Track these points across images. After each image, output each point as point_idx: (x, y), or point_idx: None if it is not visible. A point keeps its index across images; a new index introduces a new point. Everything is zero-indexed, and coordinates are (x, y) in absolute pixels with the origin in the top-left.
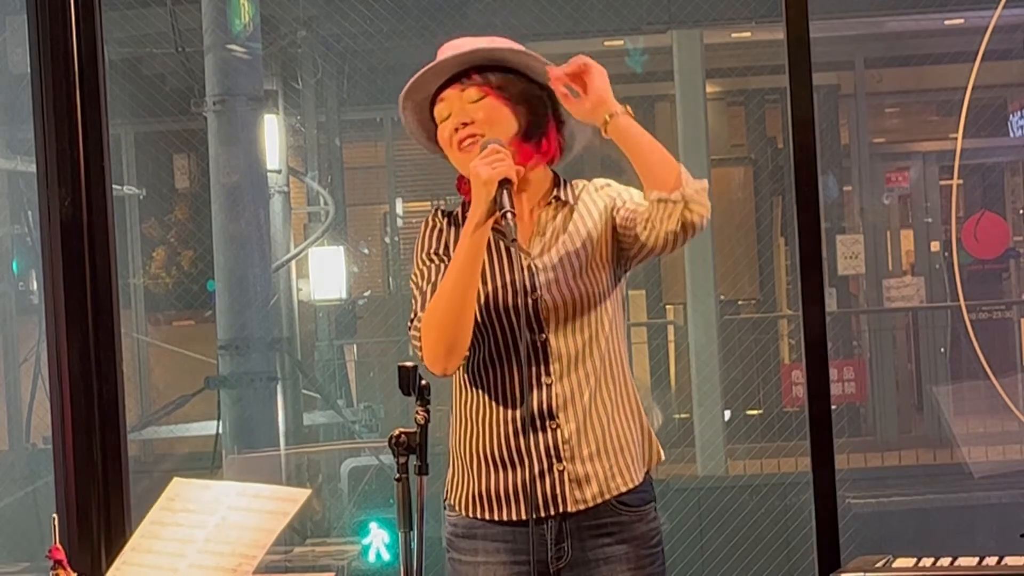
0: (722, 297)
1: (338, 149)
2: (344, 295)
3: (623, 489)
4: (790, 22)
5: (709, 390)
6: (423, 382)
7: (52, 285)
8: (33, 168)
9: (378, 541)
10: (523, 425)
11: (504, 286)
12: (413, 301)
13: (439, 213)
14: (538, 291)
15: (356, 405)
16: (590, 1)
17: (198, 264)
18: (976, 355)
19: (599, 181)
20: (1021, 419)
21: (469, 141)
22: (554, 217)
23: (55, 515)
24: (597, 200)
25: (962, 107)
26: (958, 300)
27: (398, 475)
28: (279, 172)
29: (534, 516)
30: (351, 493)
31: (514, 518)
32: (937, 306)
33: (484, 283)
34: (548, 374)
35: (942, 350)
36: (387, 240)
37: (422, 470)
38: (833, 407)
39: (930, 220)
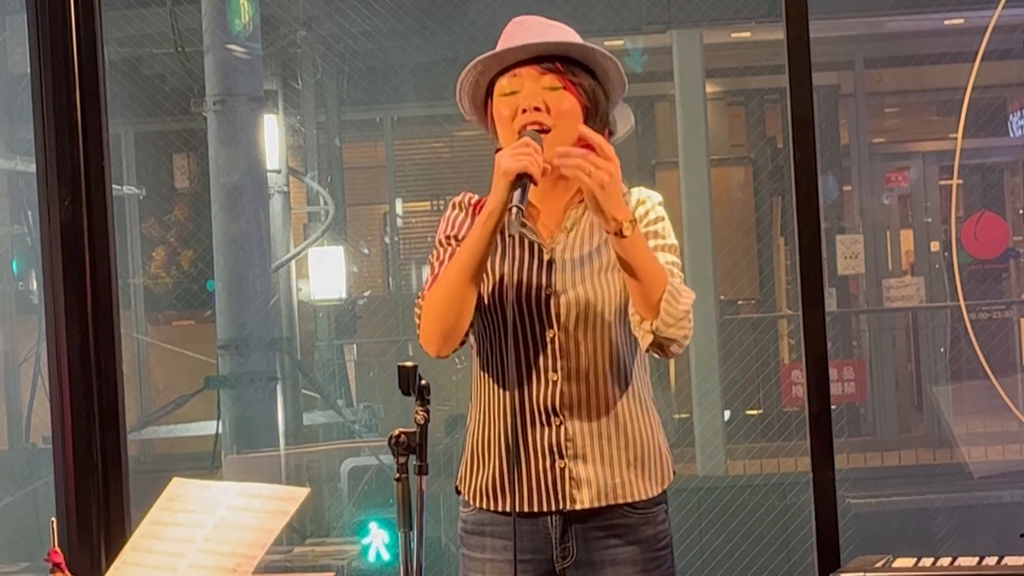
0: (722, 297)
1: (338, 149)
2: (344, 295)
3: (625, 501)
4: (790, 22)
5: (709, 390)
6: (423, 382)
7: (52, 285)
8: (33, 168)
9: (378, 541)
10: (530, 419)
11: (519, 278)
12: (427, 280)
13: (466, 198)
14: (552, 287)
15: (356, 405)
16: (590, 1)
17: (198, 264)
18: (976, 355)
19: (643, 195)
20: (1021, 419)
21: (534, 128)
22: (583, 215)
23: (54, 519)
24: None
25: (962, 107)
26: (958, 300)
27: (398, 475)
28: (279, 172)
29: (535, 509)
30: (351, 493)
31: (517, 510)
32: (937, 306)
33: (500, 274)
34: (555, 370)
35: (942, 350)
36: (387, 240)
37: (422, 470)
38: (833, 407)
39: (930, 220)
